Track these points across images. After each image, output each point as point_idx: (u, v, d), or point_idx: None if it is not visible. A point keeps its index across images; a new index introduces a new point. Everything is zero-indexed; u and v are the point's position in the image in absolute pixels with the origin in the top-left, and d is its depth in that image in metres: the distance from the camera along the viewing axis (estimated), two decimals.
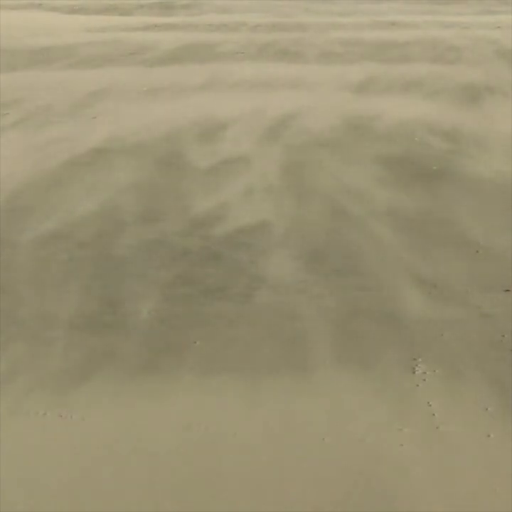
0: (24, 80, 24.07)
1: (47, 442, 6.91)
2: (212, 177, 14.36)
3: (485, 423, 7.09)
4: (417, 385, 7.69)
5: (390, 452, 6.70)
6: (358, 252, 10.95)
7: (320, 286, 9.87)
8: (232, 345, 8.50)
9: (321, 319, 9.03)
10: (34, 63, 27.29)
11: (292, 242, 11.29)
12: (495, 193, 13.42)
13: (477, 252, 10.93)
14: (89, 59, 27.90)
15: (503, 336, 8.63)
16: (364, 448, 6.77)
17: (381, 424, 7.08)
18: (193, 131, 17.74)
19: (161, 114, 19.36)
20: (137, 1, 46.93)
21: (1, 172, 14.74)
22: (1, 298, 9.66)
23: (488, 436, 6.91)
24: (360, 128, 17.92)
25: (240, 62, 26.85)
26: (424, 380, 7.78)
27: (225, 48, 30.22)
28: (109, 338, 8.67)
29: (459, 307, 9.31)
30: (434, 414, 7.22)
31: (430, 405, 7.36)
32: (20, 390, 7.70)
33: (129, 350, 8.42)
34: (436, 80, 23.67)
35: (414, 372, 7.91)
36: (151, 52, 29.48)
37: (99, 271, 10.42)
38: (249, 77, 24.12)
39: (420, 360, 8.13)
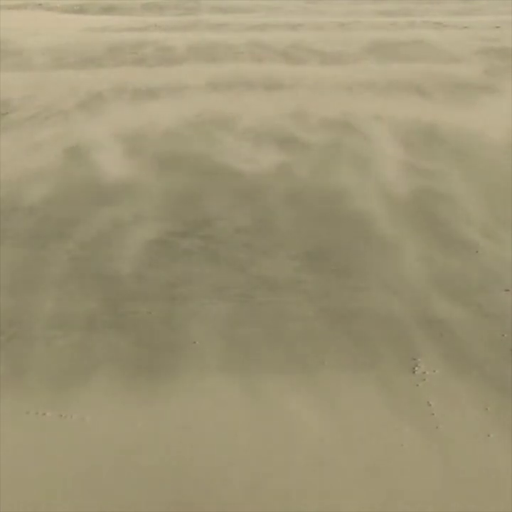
0: (24, 80, 24.06)
1: (47, 442, 6.92)
2: (212, 177, 14.36)
3: (485, 423, 7.10)
4: (417, 385, 7.69)
5: (390, 452, 6.71)
6: (358, 252, 10.95)
7: (320, 286, 9.87)
8: (232, 345, 8.50)
9: (320, 319, 9.03)
10: (34, 63, 27.28)
11: (292, 242, 11.29)
12: (495, 190, 13.42)
13: (477, 252, 10.93)
14: (89, 59, 27.89)
15: (503, 335, 8.63)
16: (364, 448, 6.77)
17: (381, 424, 7.08)
18: (194, 131, 17.74)
19: (162, 114, 19.35)
20: (137, 1, 46.92)
21: (0, 171, 14.74)
22: (1, 298, 9.67)
23: (488, 436, 6.92)
24: (361, 127, 17.92)
25: (241, 62, 26.85)
26: (424, 379, 7.79)
27: (225, 47, 30.20)
28: (109, 338, 8.68)
29: (459, 307, 9.32)
30: (434, 414, 7.23)
31: (430, 405, 7.36)
32: (20, 390, 7.70)
33: (129, 350, 8.42)
34: (435, 79, 23.65)
35: (414, 372, 7.91)
36: (152, 52, 29.46)
37: (99, 271, 10.43)
38: (250, 76, 24.11)
39: (420, 360, 8.14)
